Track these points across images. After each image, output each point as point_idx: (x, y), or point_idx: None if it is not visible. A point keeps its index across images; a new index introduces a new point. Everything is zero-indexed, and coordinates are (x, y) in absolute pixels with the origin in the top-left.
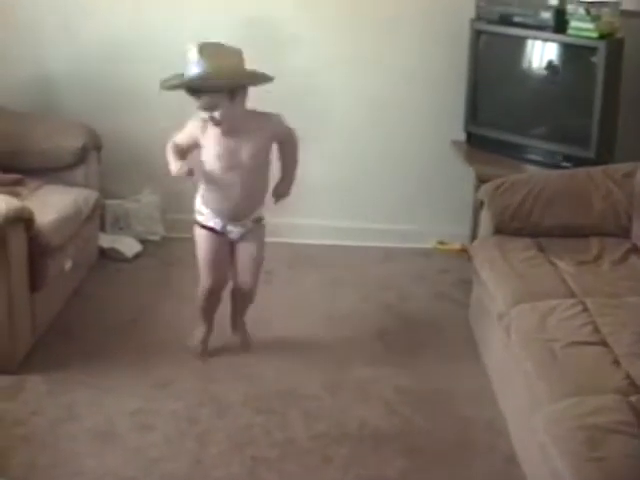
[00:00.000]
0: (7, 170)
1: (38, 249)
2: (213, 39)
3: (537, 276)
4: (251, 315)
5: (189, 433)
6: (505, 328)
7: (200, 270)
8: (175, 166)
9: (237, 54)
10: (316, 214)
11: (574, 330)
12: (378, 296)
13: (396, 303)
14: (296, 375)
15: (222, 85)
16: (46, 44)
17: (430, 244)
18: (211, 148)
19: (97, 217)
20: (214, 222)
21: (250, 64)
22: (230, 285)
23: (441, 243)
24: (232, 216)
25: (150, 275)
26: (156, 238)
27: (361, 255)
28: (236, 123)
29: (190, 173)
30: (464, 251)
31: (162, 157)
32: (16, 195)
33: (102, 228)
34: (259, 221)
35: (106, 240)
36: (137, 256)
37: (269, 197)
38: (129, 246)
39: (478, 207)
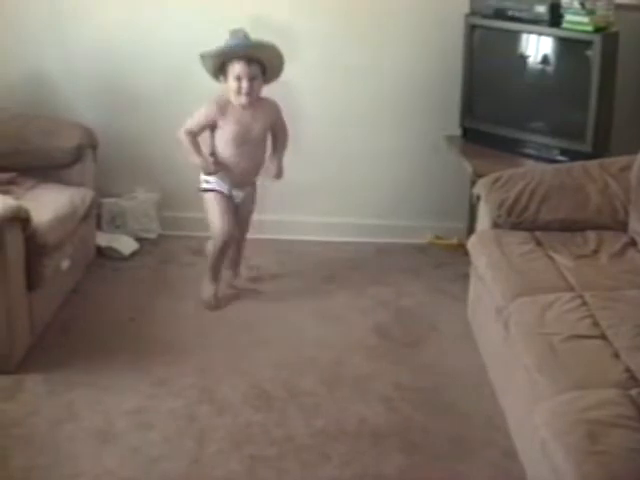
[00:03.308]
0: (2, 169)
1: (35, 248)
2: (208, 40)
3: (535, 270)
4: (247, 316)
5: (188, 432)
6: (504, 323)
7: (213, 227)
8: (201, 161)
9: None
10: (310, 211)
11: (573, 324)
12: (375, 292)
13: (393, 299)
14: (294, 372)
15: (270, 57)
16: (41, 43)
17: (426, 239)
18: (229, 127)
19: (93, 216)
20: (220, 187)
21: None
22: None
23: (437, 238)
24: (237, 184)
25: (147, 273)
26: (152, 236)
27: (356, 251)
28: (255, 100)
29: (216, 171)
30: (461, 246)
31: (158, 154)
32: (10, 194)
33: (98, 227)
34: (254, 184)
35: (103, 239)
36: (134, 254)
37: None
38: (126, 244)
39: (474, 202)
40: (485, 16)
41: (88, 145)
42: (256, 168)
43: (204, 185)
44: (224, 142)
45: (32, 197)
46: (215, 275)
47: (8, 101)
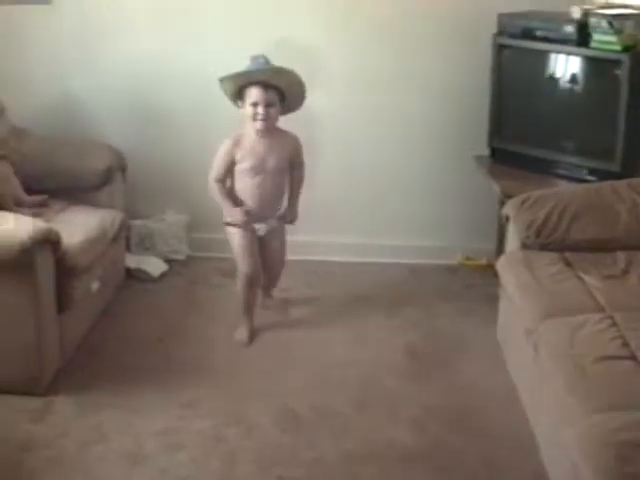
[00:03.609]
0: (32, 192)
1: (65, 271)
2: (237, 60)
3: (565, 291)
4: (276, 337)
5: (216, 453)
6: (533, 344)
7: (238, 261)
8: (232, 212)
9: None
10: (339, 231)
11: (603, 345)
12: (404, 313)
13: (423, 320)
14: (324, 393)
15: (290, 83)
16: (70, 66)
17: (455, 260)
18: (245, 158)
19: (123, 238)
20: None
21: None
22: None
23: (468, 259)
24: (259, 216)
25: (176, 294)
26: (181, 257)
27: (386, 272)
28: (272, 128)
29: (246, 223)
30: (490, 266)
31: (187, 176)
32: (41, 216)
33: (127, 248)
34: (280, 219)
35: (132, 260)
36: (163, 276)
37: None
38: (155, 266)
39: (503, 222)
40: (513, 36)
41: (117, 167)
42: (277, 198)
43: (226, 219)
44: (242, 173)
45: (62, 219)
46: (248, 312)
47: (39, 125)
